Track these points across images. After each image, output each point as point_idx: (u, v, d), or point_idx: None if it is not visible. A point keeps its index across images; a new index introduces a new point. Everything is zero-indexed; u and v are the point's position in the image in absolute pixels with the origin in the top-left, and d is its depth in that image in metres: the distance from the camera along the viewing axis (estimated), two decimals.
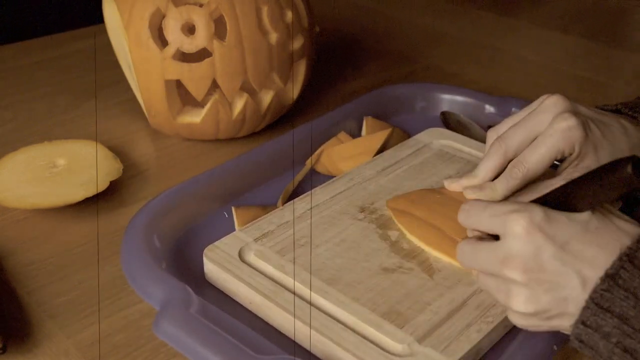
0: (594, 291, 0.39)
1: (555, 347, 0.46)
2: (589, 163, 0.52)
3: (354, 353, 0.45)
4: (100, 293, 0.55)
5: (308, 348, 0.48)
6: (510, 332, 0.50)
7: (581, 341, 0.40)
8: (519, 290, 0.42)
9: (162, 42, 0.68)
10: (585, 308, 0.39)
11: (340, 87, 0.91)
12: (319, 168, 0.70)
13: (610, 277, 0.39)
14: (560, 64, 1.02)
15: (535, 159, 0.52)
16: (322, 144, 0.72)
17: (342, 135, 0.73)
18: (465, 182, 0.56)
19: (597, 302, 0.39)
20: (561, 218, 0.42)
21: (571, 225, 0.41)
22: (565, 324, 0.42)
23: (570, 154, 0.52)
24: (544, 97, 0.54)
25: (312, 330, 0.47)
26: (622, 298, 0.38)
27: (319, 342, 0.47)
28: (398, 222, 0.57)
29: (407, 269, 0.52)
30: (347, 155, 0.69)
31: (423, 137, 0.71)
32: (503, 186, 0.53)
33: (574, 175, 0.53)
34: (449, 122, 0.78)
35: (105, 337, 0.50)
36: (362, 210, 0.59)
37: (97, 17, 0.81)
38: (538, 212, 0.42)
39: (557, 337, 0.46)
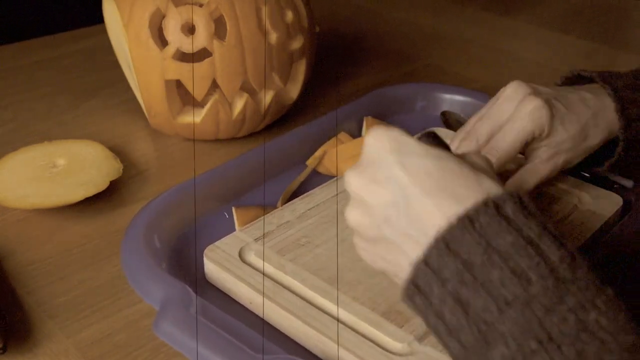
0: (447, 230, 0.34)
1: None
2: (560, 137, 0.54)
3: (354, 352, 0.45)
4: (100, 293, 0.55)
5: (308, 347, 0.48)
6: None
7: (417, 285, 0.35)
8: (351, 198, 0.40)
9: (162, 42, 0.68)
10: (433, 247, 0.35)
11: (340, 87, 0.91)
12: (320, 168, 0.70)
13: (468, 219, 0.34)
14: (560, 64, 1.02)
15: (507, 144, 0.53)
16: (322, 144, 0.72)
17: (342, 135, 0.73)
18: None
19: (447, 242, 0.34)
20: (415, 145, 0.38)
21: (423, 155, 0.37)
22: (388, 256, 0.38)
23: (540, 135, 0.54)
24: (504, 88, 0.56)
25: (312, 330, 0.47)
26: (473, 243, 0.33)
27: (318, 342, 0.47)
28: None
29: None
30: (348, 156, 0.69)
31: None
32: None
33: (549, 152, 0.54)
34: (449, 121, 0.78)
35: (105, 337, 0.51)
36: None
37: (97, 17, 0.81)
38: (395, 130, 0.39)
39: None
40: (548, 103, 0.54)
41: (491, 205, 0.34)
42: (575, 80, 0.63)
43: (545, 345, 0.31)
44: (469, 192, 0.36)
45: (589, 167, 0.62)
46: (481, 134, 0.55)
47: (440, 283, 0.34)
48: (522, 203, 0.35)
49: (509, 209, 0.35)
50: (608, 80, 0.58)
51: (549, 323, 0.31)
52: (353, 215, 0.40)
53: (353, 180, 0.39)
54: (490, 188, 0.36)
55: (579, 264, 0.33)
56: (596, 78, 0.59)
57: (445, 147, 0.41)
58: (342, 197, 0.61)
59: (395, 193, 0.37)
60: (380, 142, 0.38)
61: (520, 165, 0.58)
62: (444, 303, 0.34)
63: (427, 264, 0.35)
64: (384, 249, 0.39)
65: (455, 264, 0.34)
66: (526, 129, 0.53)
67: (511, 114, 0.54)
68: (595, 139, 0.57)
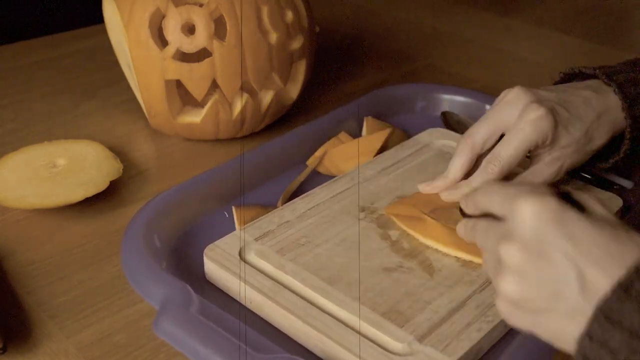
0: (604, 302, 0.34)
1: (555, 347, 0.46)
2: (564, 142, 0.54)
3: (354, 352, 0.45)
4: (100, 293, 0.55)
5: (308, 347, 0.48)
6: (510, 332, 0.50)
7: (586, 357, 0.35)
8: (511, 271, 0.39)
9: (162, 42, 0.68)
10: (593, 320, 0.35)
11: (340, 87, 0.91)
12: (320, 168, 0.70)
13: (623, 288, 0.34)
14: (560, 64, 1.02)
15: (510, 153, 0.53)
16: (323, 144, 0.72)
17: (343, 135, 0.73)
18: (439, 183, 0.57)
19: (607, 314, 0.34)
20: (573, 212, 0.38)
21: (583, 222, 0.37)
22: (550, 325, 0.38)
23: (543, 143, 0.54)
24: (506, 91, 0.56)
25: (312, 329, 0.47)
26: (633, 311, 0.34)
27: (319, 341, 0.47)
28: (408, 228, 0.56)
29: (407, 269, 0.52)
30: (348, 156, 0.69)
31: (423, 137, 0.71)
32: (480, 182, 0.53)
33: (554, 155, 0.54)
34: (449, 122, 0.78)
35: (105, 337, 0.50)
36: (363, 210, 0.59)
37: (97, 17, 0.81)
38: (550, 200, 0.38)
39: None
40: (552, 112, 0.53)
41: None
42: (575, 76, 0.63)
43: None
44: (629, 254, 0.36)
45: (592, 164, 0.62)
46: (478, 138, 0.55)
47: (611, 354, 0.34)
48: None
49: None
50: (611, 77, 0.58)
51: None
52: (513, 289, 0.39)
53: (515, 254, 0.38)
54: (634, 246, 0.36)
55: None
56: (600, 76, 0.59)
57: (579, 206, 0.41)
58: (342, 197, 0.61)
59: (565, 267, 0.37)
60: (539, 214, 0.38)
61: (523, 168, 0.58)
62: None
63: (590, 337, 0.35)
64: (547, 319, 0.38)
65: (620, 334, 0.34)
66: (529, 138, 0.53)
67: (514, 123, 0.54)
68: (600, 139, 0.57)
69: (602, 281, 0.35)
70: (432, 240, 0.54)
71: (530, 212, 0.38)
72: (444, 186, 0.57)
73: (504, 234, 0.40)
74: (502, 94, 0.57)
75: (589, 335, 0.35)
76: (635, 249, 0.36)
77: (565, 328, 0.37)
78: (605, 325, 0.34)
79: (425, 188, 0.58)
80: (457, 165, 0.56)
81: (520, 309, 0.39)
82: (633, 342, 0.33)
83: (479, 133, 0.55)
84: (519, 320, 0.39)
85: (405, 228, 0.56)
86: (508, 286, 0.39)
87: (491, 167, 0.53)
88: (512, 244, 0.38)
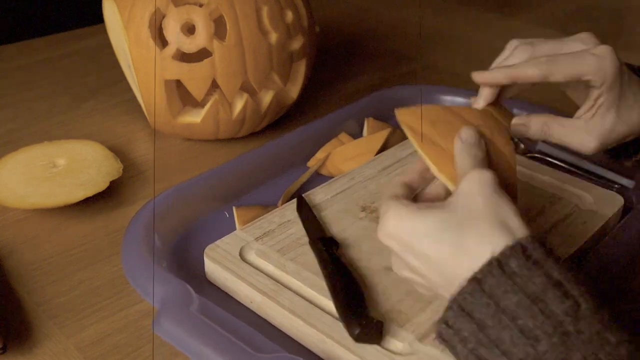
0: (459, 293, 0.37)
1: None
2: (614, 96, 0.52)
3: (355, 352, 0.45)
4: (100, 293, 0.54)
5: (308, 346, 0.48)
6: None
7: (443, 339, 0.38)
8: (394, 255, 0.43)
9: (162, 42, 0.68)
10: (449, 308, 0.37)
11: (341, 87, 0.91)
12: (320, 169, 0.70)
13: (477, 281, 0.36)
14: None
15: (564, 64, 0.51)
16: (323, 144, 0.72)
17: (343, 136, 0.73)
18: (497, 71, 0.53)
19: (460, 304, 0.36)
20: (416, 228, 0.40)
21: (429, 237, 0.39)
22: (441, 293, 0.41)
23: (599, 84, 0.51)
24: (577, 35, 0.54)
25: (312, 329, 0.47)
26: (483, 305, 0.36)
27: (319, 341, 0.47)
28: (421, 149, 0.48)
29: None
30: (348, 156, 0.69)
31: None
32: (524, 68, 0.51)
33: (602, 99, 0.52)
34: None
35: (105, 337, 0.50)
36: (363, 209, 0.59)
37: (97, 17, 0.81)
38: (391, 225, 0.41)
39: None
40: (618, 60, 0.51)
41: (495, 265, 0.36)
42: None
43: None
44: (474, 256, 0.37)
45: (616, 157, 0.60)
46: (540, 52, 0.53)
47: (462, 342, 0.36)
48: (526, 254, 0.36)
49: (514, 264, 0.36)
50: None
51: None
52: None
53: (392, 261, 0.44)
54: (496, 238, 0.37)
55: (582, 314, 0.34)
56: None
57: None
58: (343, 197, 0.61)
59: (418, 275, 0.41)
60: (386, 242, 0.42)
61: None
62: (468, 358, 0.36)
63: (447, 324, 0.37)
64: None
65: (470, 324, 0.36)
66: (586, 65, 0.50)
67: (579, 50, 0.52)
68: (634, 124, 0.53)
69: (448, 290, 0.38)
70: (444, 176, 0.47)
71: (382, 239, 0.42)
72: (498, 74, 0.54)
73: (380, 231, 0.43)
74: (573, 37, 0.54)
75: (445, 321, 0.37)
76: (484, 247, 0.37)
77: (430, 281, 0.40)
78: (459, 314, 0.36)
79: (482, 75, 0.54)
80: (517, 59, 0.54)
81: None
82: (480, 334, 0.35)
83: (542, 49, 0.53)
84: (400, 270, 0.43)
85: (416, 147, 0.49)
86: (394, 267, 0.44)
87: (542, 59, 0.51)
88: (393, 261, 0.44)
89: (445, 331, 0.37)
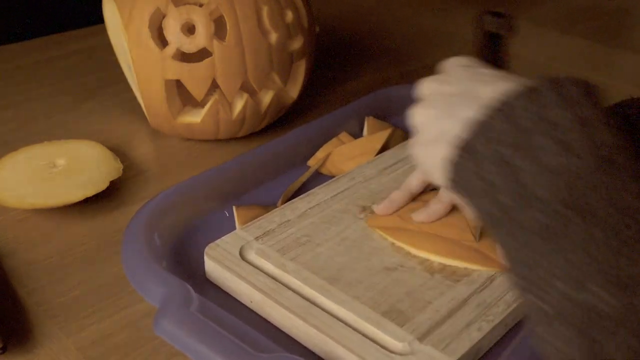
0: (513, 97, 0.36)
1: None
2: None
3: (355, 351, 0.45)
4: (100, 293, 0.54)
5: (308, 346, 0.48)
6: (510, 331, 0.50)
7: (468, 144, 0.37)
8: (422, 102, 0.45)
9: (162, 42, 0.68)
10: (493, 110, 0.36)
11: (341, 87, 0.91)
12: (320, 169, 0.70)
13: (530, 91, 0.36)
14: (560, 64, 1.02)
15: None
16: (324, 144, 0.72)
17: (344, 135, 0.73)
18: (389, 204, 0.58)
19: (509, 108, 0.36)
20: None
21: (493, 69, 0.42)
22: (432, 151, 0.42)
23: None
24: None
25: (312, 329, 0.47)
26: (532, 113, 0.35)
27: (319, 341, 0.47)
28: (397, 240, 0.55)
29: (407, 268, 0.52)
30: (349, 156, 0.69)
31: None
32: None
33: None
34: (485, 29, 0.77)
35: (105, 337, 0.50)
36: (363, 209, 0.59)
37: (97, 17, 0.81)
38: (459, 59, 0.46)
39: None
40: None
41: (549, 84, 0.36)
42: None
43: (582, 215, 0.32)
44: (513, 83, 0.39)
45: None
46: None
47: (492, 142, 0.35)
48: (579, 85, 0.36)
49: (567, 89, 0.36)
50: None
51: (588, 196, 0.33)
52: (419, 116, 0.45)
53: (426, 82, 0.46)
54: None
55: (628, 152, 0.34)
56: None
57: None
58: (343, 196, 0.61)
59: (457, 86, 0.42)
60: (451, 65, 0.46)
61: None
62: (492, 163, 0.35)
63: (484, 123, 0.36)
64: (434, 148, 0.42)
65: (512, 128, 0.35)
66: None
67: None
68: None
69: (488, 92, 0.38)
70: (424, 252, 0.54)
71: (449, 63, 0.46)
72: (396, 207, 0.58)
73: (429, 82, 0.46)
74: None
75: (483, 123, 0.36)
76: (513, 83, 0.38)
77: (441, 147, 0.40)
78: (500, 116, 0.36)
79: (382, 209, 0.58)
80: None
81: (426, 134, 0.43)
82: (520, 137, 0.35)
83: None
84: (423, 151, 0.44)
85: (393, 241, 0.55)
86: (417, 112, 0.45)
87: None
88: (427, 81, 0.46)
89: (478, 132, 0.36)
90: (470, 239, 0.54)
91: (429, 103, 0.44)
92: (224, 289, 0.53)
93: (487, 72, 0.42)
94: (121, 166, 0.67)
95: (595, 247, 0.32)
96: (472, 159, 0.36)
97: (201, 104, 0.71)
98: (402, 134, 0.75)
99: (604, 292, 0.31)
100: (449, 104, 0.41)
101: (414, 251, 0.54)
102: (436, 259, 0.53)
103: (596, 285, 0.31)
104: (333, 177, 0.68)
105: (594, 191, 0.33)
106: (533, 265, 0.33)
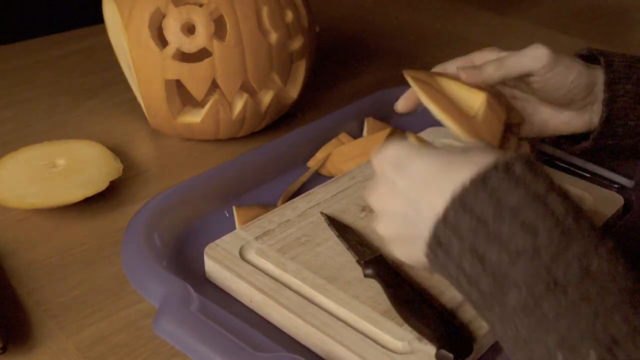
0: (461, 190, 0.38)
1: None
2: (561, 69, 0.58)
3: (354, 351, 0.45)
4: (100, 293, 0.54)
5: (308, 346, 0.48)
6: None
7: (438, 240, 0.39)
8: (378, 218, 0.44)
9: (162, 42, 0.68)
10: (449, 207, 0.38)
11: (341, 87, 0.91)
12: (320, 169, 0.70)
13: (480, 181, 0.37)
14: None
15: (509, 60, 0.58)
16: (323, 144, 0.72)
17: (343, 136, 0.73)
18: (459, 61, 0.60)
19: (462, 200, 0.37)
20: (410, 152, 0.42)
21: (417, 160, 0.42)
22: (411, 249, 0.42)
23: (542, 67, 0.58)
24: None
25: (312, 328, 0.47)
26: (485, 201, 0.37)
27: (319, 340, 0.47)
28: (418, 89, 0.56)
29: (407, 267, 0.52)
30: (349, 156, 0.69)
31: (424, 136, 0.71)
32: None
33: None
34: None
35: (105, 337, 0.50)
36: (363, 209, 0.59)
37: (97, 17, 0.81)
38: (391, 149, 0.43)
39: None
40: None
41: (501, 166, 0.37)
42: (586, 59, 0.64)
43: (552, 289, 0.34)
44: (463, 170, 0.39)
45: (569, 145, 0.62)
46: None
47: (459, 238, 0.37)
48: (530, 164, 0.38)
49: (518, 168, 0.37)
50: (607, 56, 0.61)
51: (555, 269, 0.34)
52: (381, 229, 0.45)
53: (371, 196, 0.45)
54: (486, 158, 0.39)
55: (582, 216, 0.36)
56: (597, 54, 0.61)
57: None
58: (343, 196, 0.61)
59: (406, 201, 0.42)
60: (379, 165, 0.44)
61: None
62: (463, 256, 0.37)
63: (445, 221, 0.38)
64: (411, 246, 0.42)
65: (470, 220, 0.37)
66: (524, 62, 0.58)
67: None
68: (578, 105, 0.59)
69: (436, 201, 0.39)
70: (438, 110, 0.54)
71: (374, 164, 0.45)
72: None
73: (367, 189, 0.46)
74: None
75: (444, 219, 0.38)
76: (471, 164, 0.39)
77: (416, 250, 0.41)
78: (459, 210, 0.37)
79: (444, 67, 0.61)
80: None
81: (397, 243, 0.44)
82: (480, 229, 0.36)
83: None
84: (400, 253, 0.44)
85: (416, 89, 0.56)
86: (380, 229, 0.44)
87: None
88: (370, 196, 0.45)
89: (442, 231, 0.38)
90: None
91: (388, 216, 0.44)
92: (223, 288, 0.53)
93: (426, 164, 0.41)
94: (121, 166, 0.67)
95: (579, 313, 0.33)
96: (446, 254, 0.38)
97: (201, 104, 0.71)
98: (401, 134, 0.75)
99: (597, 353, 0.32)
100: (409, 203, 0.41)
101: (430, 105, 0.55)
102: (445, 121, 0.54)
103: (590, 348, 0.32)
104: (333, 177, 0.67)
105: (566, 264, 0.34)
106: (524, 343, 0.35)
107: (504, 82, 0.59)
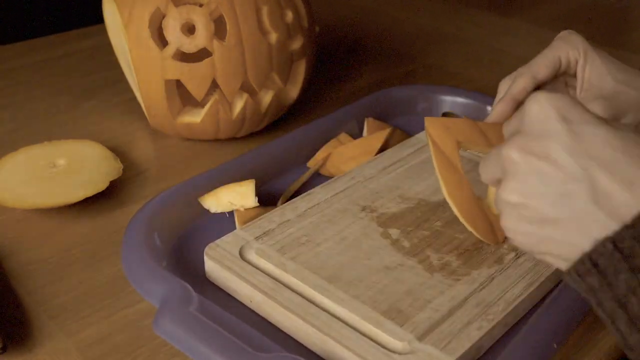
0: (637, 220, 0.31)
1: (555, 346, 0.46)
2: (600, 61, 0.53)
3: (354, 351, 0.45)
4: (100, 293, 0.54)
5: (308, 346, 0.48)
6: (510, 330, 0.50)
7: (595, 264, 0.32)
8: (511, 175, 0.35)
9: (162, 42, 0.68)
10: (626, 229, 0.31)
11: (341, 87, 0.91)
12: (320, 169, 0.70)
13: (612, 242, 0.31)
14: None
15: (539, 61, 0.53)
16: (323, 144, 0.72)
17: (343, 136, 0.73)
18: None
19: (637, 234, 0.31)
20: (586, 114, 0.34)
21: (598, 126, 0.33)
22: (557, 236, 0.34)
23: (575, 60, 0.53)
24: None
25: (312, 328, 0.47)
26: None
27: (319, 340, 0.47)
28: (439, 172, 0.52)
29: (407, 267, 0.52)
30: (348, 156, 0.69)
31: (424, 136, 0.71)
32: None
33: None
34: None
35: (105, 337, 0.50)
36: (363, 208, 0.59)
37: (97, 17, 0.81)
38: (563, 97, 0.35)
39: (558, 335, 0.46)
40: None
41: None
42: None
43: None
44: None
45: None
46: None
47: (629, 268, 0.31)
48: None
49: None
50: None
51: None
52: (516, 194, 0.35)
53: (518, 154, 0.35)
54: None
55: None
56: None
57: None
58: (343, 196, 0.61)
59: (573, 167, 0.33)
60: (546, 110, 0.35)
61: None
62: (631, 291, 0.31)
63: (616, 245, 0.32)
64: (554, 229, 0.35)
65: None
66: (557, 48, 0.53)
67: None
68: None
69: (620, 195, 0.31)
70: (451, 200, 0.51)
71: (536, 107, 0.35)
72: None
73: (511, 132, 0.37)
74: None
75: (614, 241, 0.31)
76: None
77: (573, 239, 0.34)
78: (638, 237, 0.31)
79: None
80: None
81: (525, 221, 0.35)
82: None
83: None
84: (529, 239, 0.36)
85: (435, 166, 0.52)
86: (509, 194, 0.35)
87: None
88: (514, 143, 0.35)
89: (608, 254, 0.32)
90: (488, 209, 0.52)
91: (529, 187, 0.35)
92: (223, 288, 0.53)
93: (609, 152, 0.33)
94: (121, 166, 0.67)
95: None
96: (602, 279, 0.32)
97: (201, 104, 0.71)
98: (402, 134, 0.75)
99: None
100: (579, 179, 0.33)
101: (444, 193, 0.51)
102: (455, 210, 0.51)
103: None
104: (333, 177, 0.67)
105: None
106: None
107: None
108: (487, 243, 0.54)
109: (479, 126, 0.53)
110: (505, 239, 0.53)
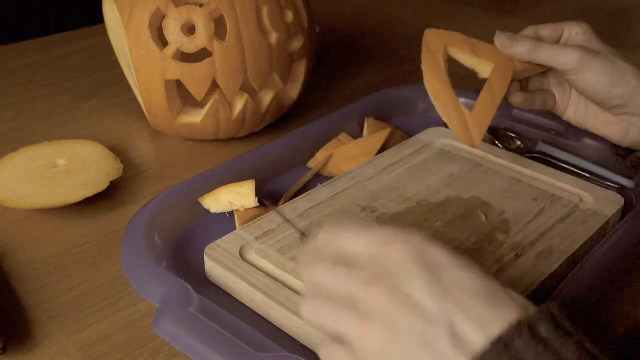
0: (481, 355, 0.32)
1: None
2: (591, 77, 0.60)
3: None
4: (100, 293, 0.54)
5: (308, 346, 0.48)
6: None
7: None
8: (374, 317, 0.34)
9: (162, 42, 0.68)
10: (487, 351, 0.32)
11: (341, 87, 0.91)
12: (322, 170, 0.70)
13: (503, 344, 0.32)
14: None
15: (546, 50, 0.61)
16: (323, 144, 0.72)
17: (343, 136, 0.73)
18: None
19: (506, 345, 0.32)
20: (445, 257, 0.35)
21: (456, 270, 0.34)
22: None
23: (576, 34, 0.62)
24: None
25: (312, 328, 0.47)
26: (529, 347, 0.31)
27: (319, 340, 0.47)
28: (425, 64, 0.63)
29: None
30: (349, 156, 0.69)
31: (424, 136, 0.71)
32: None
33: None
34: None
35: (105, 337, 0.50)
36: (363, 208, 0.59)
37: (97, 17, 0.81)
38: (417, 238, 0.36)
39: None
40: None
41: (525, 327, 0.32)
42: None
43: None
44: (508, 310, 0.33)
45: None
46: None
47: None
48: (555, 321, 0.33)
49: (543, 329, 0.32)
50: None
51: None
52: (376, 340, 0.34)
53: (379, 297, 0.34)
54: (521, 301, 0.34)
55: None
56: None
57: None
58: (343, 196, 0.61)
59: (435, 314, 0.33)
60: (401, 252, 0.35)
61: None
62: None
63: None
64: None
65: None
66: (554, 59, 0.60)
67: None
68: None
69: (476, 337, 0.32)
70: (428, 86, 0.63)
71: (393, 250, 0.36)
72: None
73: (367, 278, 0.35)
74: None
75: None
76: (514, 305, 0.34)
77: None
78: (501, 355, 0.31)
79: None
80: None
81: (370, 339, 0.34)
82: None
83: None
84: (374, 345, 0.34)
85: (422, 60, 0.62)
86: (370, 339, 0.34)
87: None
88: (376, 286, 0.35)
89: None
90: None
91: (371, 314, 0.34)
92: (224, 288, 0.53)
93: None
94: (121, 166, 0.67)
95: None
96: None
97: (201, 104, 0.71)
98: (402, 134, 0.75)
99: None
100: (429, 319, 0.33)
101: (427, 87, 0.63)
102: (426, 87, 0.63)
103: None
104: (333, 177, 0.67)
105: None
106: None
107: None
108: (464, 144, 0.62)
109: (472, 40, 0.64)
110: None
